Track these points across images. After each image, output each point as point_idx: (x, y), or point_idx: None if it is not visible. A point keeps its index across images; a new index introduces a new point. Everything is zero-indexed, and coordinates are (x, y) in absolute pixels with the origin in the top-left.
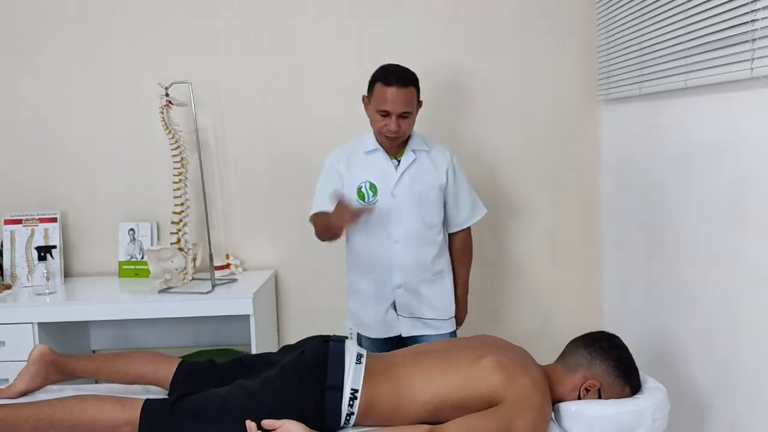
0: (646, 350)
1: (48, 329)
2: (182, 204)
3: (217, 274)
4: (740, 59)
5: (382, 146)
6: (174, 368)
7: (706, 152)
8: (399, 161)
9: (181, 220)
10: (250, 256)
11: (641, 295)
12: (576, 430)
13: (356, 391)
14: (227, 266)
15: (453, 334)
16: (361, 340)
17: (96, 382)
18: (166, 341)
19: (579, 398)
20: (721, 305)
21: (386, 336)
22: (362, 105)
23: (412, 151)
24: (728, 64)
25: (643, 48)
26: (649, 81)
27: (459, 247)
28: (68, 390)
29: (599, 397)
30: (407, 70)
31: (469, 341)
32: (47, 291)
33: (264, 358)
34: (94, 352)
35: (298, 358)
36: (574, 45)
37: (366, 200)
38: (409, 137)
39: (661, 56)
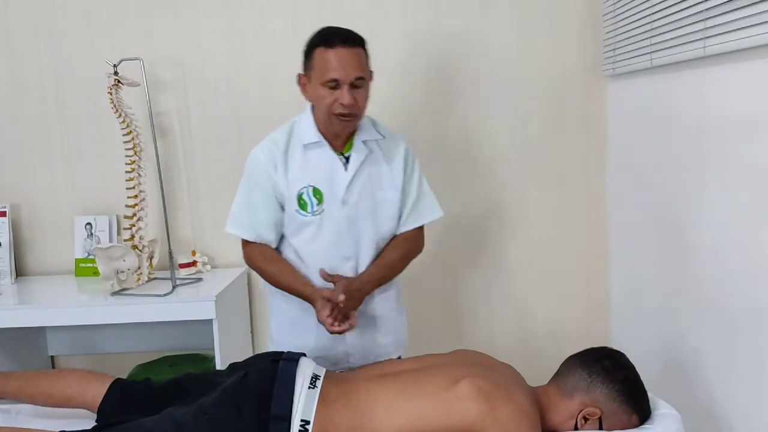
0: (658, 363)
1: None
2: (136, 197)
3: (183, 272)
4: None
5: (325, 137)
6: (105, 389)
7: (728, 132)
8: (347, 158)
9: (134, 215)
10: (221, 253)
11: (653, 298)
12: None
13: (307, 422)
14: (193, 264)
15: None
16: None
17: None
18: (130, 345)
19: (576, 429)
20: (746, 311)
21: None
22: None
23: (363, 143)
24: (756, 25)
25: (655, 12)
26: (661, 51)
27: (402, 238)
28: None
29: (600, 428)
30: (351, 30)
31: (446, 359)
32: None
33: (207, 379)
34: (52, 358)
35: (240, 382)
36: (577, 12)
37: (309, 210)
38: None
39: (675, 20)
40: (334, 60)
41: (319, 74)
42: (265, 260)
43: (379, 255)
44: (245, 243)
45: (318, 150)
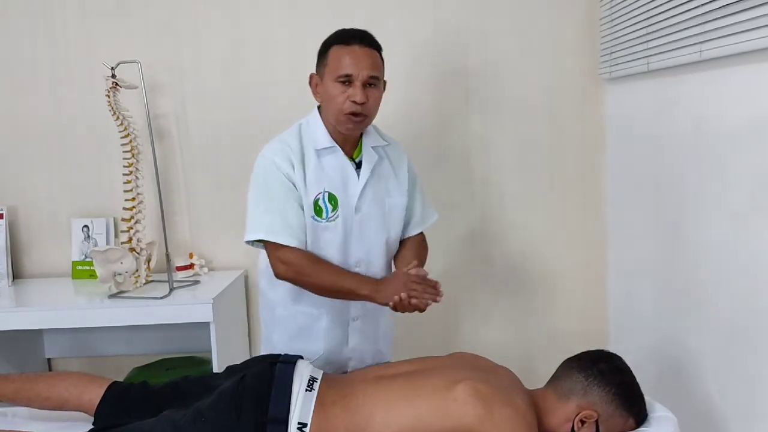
0: (655, 366)
1: None
2: (133, 199)
3: (180, 275)
4: (766, 23)
5: (336, 142)
6: (102, 392)
7: (725, 135)
8: (358, 163)
9: (132, 217)
10: (218, 255)
11: (650, 301)
12: None
13: (304, 425)
14: (191, 266)
15: None
16: None
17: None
18: (127, 348)
19: None
20: (743, 314)
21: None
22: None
23: (372, 148)
24: (751, 29)
25: (652, 17)
26: (658, 55)
27: (414, 241)
28: None
29: (597, 431)
30: (370, 33)
31: (443, 361)
32: None
33: (204, 382)
34: (49, 361)
35: (237, 385)
36: (575, 16)
37: (324, 216)
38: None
39: (671, 24)
40: (349, 56)
41: (333, 70)
42: (316, 264)
43: (396, 258)
44: (279, 251)
45: (331, 155)
